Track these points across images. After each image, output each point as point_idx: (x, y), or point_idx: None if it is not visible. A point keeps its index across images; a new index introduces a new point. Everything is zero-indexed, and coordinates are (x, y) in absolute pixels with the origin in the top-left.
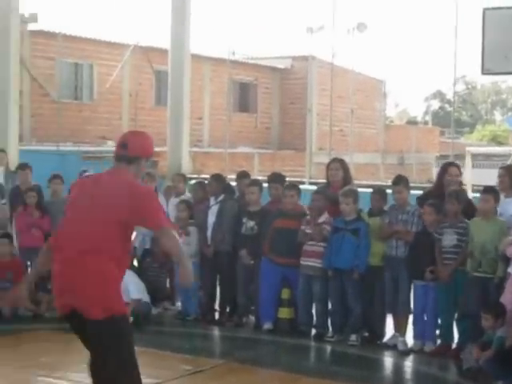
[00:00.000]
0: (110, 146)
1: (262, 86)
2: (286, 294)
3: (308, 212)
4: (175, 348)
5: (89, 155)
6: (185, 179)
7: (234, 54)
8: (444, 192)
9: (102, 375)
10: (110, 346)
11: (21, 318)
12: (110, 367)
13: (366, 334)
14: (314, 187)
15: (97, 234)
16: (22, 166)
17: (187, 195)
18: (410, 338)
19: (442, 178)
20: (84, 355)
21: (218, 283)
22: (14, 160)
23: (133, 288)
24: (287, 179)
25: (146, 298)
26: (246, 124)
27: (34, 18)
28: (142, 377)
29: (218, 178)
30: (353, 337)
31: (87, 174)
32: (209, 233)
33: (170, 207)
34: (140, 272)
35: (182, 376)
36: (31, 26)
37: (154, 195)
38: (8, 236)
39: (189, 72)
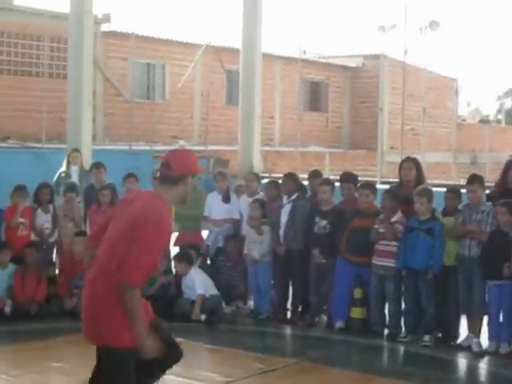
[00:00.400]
0: (182, 146)
1: (333, 84)
2: (358, 293)
3: (381, 211)
4: (248, 347)
5: (160, 154)
6: (258, 178)
7: (304, 52)
8: (509, 189)
9: None
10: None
11: None
12: None
13: (440, 335)
14: (385, 186)
15: (109, 260)
16: (97, 165)
17: (260, 194)
18: (484, 340)
19: (507, 176)
20: None
21: (290, 282)
22: (87, 159)
23: (198, 284)
24: (359, 179)
25: (213, 292)
26: (317, 123)
27: (107, 18)
28: (214, 375)
29: (292, 177)
30: (426, 337)
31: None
32: (281, 232)
33: (244, 206)
34: (213, 271)
35: (254, 375)
36: (104, 27)
37: (160, 233)
38: (83, 234)
39: (260, 71)
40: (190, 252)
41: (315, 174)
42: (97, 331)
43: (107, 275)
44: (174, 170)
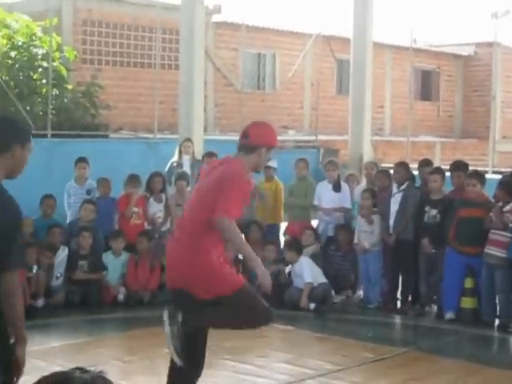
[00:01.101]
0: (292, 136)
1: (444, 73)
2: (469, 283)
3: (491, 201)
4: (357, 336)
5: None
6: (377, 167)
7: (415, 41)
8: None
9: None
10: None
11: None
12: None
13: None
14: (498, 176)
15: (192, 222)
16: (209, 154)
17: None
18: None
19: None
20: (264, 340)
21: (399, 272)
22: (199, 149)
23: (307, 273)
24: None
25: (322, 281)
26: (428, 112)
27: (217, 9)
28: (323, 363)
29: (404, 166)
30: None
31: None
32: (391, 221)
33: (356, 195)
34: (323, 260)
35: (364, 364)
36: (215, 18)
37: (241, 186)
38: None
39: (370, 60)
40: (300, 241)
41: (425, 163)
42: (199, 288)
43: (192, 234)
44: (251, 140)
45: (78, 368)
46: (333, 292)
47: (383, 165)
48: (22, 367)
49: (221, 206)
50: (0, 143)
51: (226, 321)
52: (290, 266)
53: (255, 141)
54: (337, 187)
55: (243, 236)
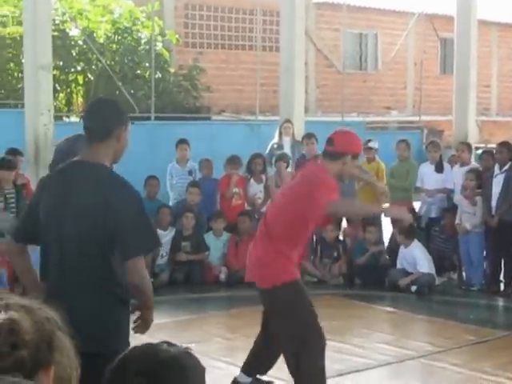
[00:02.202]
0: (395, 117)
1: None
2: None
3: None
4: (459, 318)
5: (372, 125)
6: (469, 148)
7: None
8: None
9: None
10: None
11: (306, 283)
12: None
13: None
14: None
15: (274, 221)
16: (308, 136)
17: (474, 164)
18: None
19: None
20: (363, 320)
21: (502, 254)
22: (300, 131)
23: (422, 262)
24: None
25: (431, 269)
26: None
27: None
28: (424, 344)
29: (507, 146)
30: None
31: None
32: (493, 202)
33: (458, 175)
34: (427, 241)
35: (465, 345)
36: None
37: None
38: None
39: (475, 39)
40: (413, 225)
41: None
42: (261, 274)
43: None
44: (336, 147)
45: (165, 342)
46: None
47: (490, 146)
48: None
49: (316, 196)
50: (105, 129)
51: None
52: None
53: (340, 148)
54: (439, 168)
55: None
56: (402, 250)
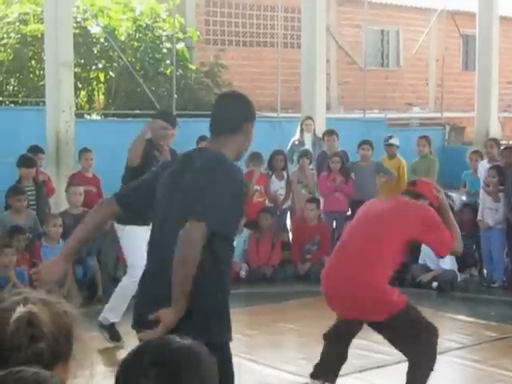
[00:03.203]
0: (417, 113)
1: None
2: None
3: None
4: (480, 314)
5: (394, 122)
6: (498, 144)
7: None
8: None
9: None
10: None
11: None
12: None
13: None
14: None
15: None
16: (329, 132)
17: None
18: None
19: None
20: None
21: None
22: (321, 127)
23: (448, 261)
24: None
25: (453, 266)
26: None
27: None
28: (444, 341)
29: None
30: None
31: None
32: None
33: (481, 171)
34: None
35: (486, 342)
36: None
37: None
38: (316, 200)
39: (497, 35)
40: None
41: None
42: (367, 309)
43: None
44: (417, 188)
45: (177, 335)
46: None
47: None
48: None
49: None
50: (236, 121)
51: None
52: None
53: (421, 189)
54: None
55: None
56: (424, 246)
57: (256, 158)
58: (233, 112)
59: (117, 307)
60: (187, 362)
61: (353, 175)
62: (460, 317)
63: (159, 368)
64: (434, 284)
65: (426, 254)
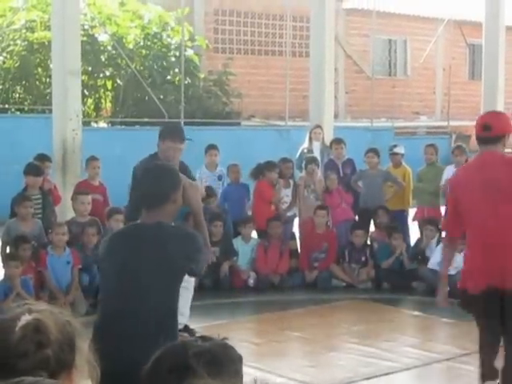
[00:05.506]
0: (424, 122)
1: None
2: None
3: None
4: None
5: (401, 131)
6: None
7: None
8: None
9: None
10: None
11: (335, 288)
12: None
13: None
14: None
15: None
16: (337, 141)
17: None
18: None
19: None
20: (391, 324)
21: None
22: (329, 136)
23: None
24: None
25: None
26: None
27: None
28: (449, 347)
29: None
30: None
31: None
32: None
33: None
34: None
35: None
36: (346, 4)
37: None
38: (324, 208)
39: (503, 45)
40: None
41: None
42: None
43: None
44: (494, 131)
45: (201, 336)
46: None
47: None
48: None
49: None
50: (163, 195)
51: None
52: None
53: (498, 130)
54: None
55: None
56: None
57: (274, 166)
58: (159, 186)
59: None
60: (205, 364)
61: (360, 183)
62: (466, 323)
63: (177, 373)
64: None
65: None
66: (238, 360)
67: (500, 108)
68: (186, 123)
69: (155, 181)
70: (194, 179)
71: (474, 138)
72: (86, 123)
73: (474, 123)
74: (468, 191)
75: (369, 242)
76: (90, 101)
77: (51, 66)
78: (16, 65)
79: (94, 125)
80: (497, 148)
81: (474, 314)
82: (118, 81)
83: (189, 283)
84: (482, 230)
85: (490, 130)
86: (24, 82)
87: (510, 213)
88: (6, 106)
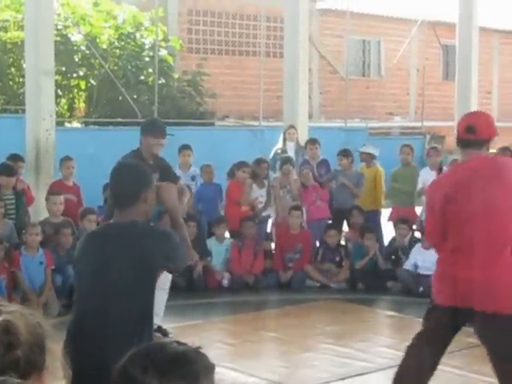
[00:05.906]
0: (398, 122)
1: None
2: None
3: None
4: None
5: (375, 131)
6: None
7: None
8: None
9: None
10: None
11: (309, 288)
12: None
13: None
14: None
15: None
16: (312, 141)
17: None
18: None
19: None
20: (366, 324)
21: None
22: (303, 136)
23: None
24: None
25: None
26: None
27: None
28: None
29: (508, 151)
30: None
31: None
32: None
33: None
34: None
35: (466, 348)
36: (319, 5)
37: None
38: (299, 208)
39: (477, 45)
40: None
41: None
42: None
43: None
44: (478, 134)
45: (175, 341)
46: None
47: (491, 151)
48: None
49: None
50: (133, 194)
51: None
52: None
53: (484, 135)
54: (439, 173)
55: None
56: (421, 251)
57: (246, 166)
58: (128, 185)
59: None
60: (182, 367)
61: (334, 183)
62: None
63: (154, 373)
64: (420, 288)
65: (423, 261)
66: (212, 369)
67: (474, 108)
68: None
69: (125, 180)
70: (175, 177)
71: (448, 138)
72: (59, 123)
73: (448, 124)
74: (464, 201)
75: (343, 243)
76: (63, 101)
77: (24, 65)
78: None
79: (67, 125)
80: (481, 152)
81: (429, 321)
82: (92, 81)
83: (164, 284)
84: (470, 244)
85: (474, 132)
86: None
87: (501, 229)
88: None
